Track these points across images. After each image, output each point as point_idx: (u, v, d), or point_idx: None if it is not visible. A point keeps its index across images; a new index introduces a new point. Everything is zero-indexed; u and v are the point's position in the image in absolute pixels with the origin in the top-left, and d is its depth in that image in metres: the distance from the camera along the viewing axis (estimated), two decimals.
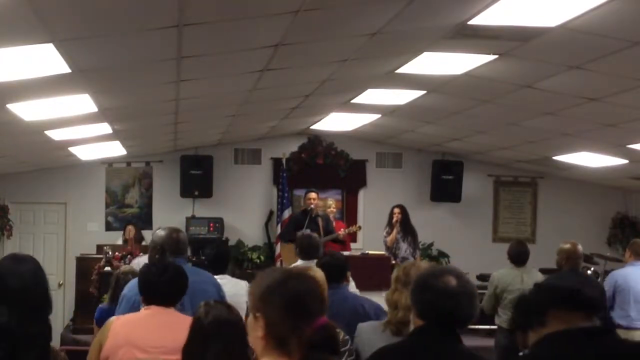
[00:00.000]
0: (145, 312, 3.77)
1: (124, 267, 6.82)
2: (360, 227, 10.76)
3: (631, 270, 7.42)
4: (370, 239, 11.72)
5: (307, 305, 2.19)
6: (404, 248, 10.52)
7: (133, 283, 4.45)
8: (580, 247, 7.03)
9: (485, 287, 10.85)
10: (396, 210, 10.70)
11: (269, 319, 2.19)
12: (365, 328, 4.02)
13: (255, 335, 2.23)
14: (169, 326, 3.72)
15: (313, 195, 10.46)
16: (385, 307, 4.99)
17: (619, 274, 7.65)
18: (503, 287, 7.48)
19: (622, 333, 7.08)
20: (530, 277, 7.20)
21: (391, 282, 4.04)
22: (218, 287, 4.77)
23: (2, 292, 3.37)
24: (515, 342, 3.35)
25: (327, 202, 11.30)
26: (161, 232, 4.72)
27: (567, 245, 7.00)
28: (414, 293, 2.94)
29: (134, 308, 4.20)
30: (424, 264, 4.16)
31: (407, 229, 10.60)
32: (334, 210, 11.29)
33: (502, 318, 7.48)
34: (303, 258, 6.21)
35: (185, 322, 3.78)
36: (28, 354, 3.32)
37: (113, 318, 3.78)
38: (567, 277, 7.06)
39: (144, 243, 10.39)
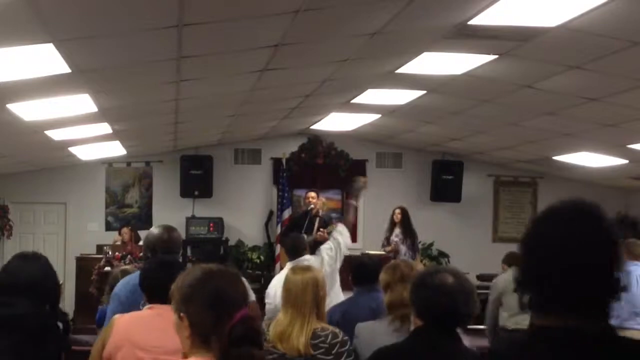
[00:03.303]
0: (149, 311, 3.75)
1: (123, 267, 6.82)
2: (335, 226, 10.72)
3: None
4: (370, 239, 11.71)
5: (227, 301, 2.23)
6: (403, 251, 10.55)
7: (124, 282, 4.47)
8: None
9: (485, 288, 10.92)
10: (397, 210, 10.75)
11: (192, 317, 2.26)
12: (364, 328, 4.03)
13: (182, 335, 2.31)
14: (171, 326, 3.71)
15: (311, 194, 10.46)
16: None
17: None
18: None
19: None
20: None
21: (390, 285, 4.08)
22: None
23: (15, 286, 3.55)
24: None
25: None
26: (154, 231, 4.73)
27: None
28: (412, 292, 2.97)
29: (124, 306, 4.20)
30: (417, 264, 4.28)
31: (407, 231, 10.63)
32: (326, 209, 11.23)
33: None
34: (290, 258, 6.23)
35: None
36: (47, 346, 3.47)
37: (116, 316, 3.76)
38: None
39: (140, 243, 10.39)
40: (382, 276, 4.01)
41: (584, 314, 1.72)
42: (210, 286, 2.26)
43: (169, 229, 4.69)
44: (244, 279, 5.52)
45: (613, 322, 6.69)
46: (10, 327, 3.45)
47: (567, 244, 1.73)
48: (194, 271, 2.34)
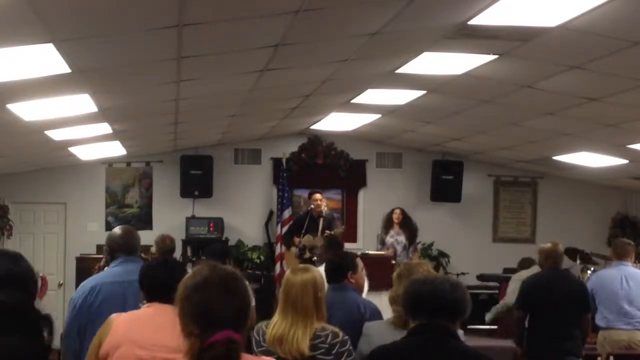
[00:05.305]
0: (147, 309, 3.76)
1: None
2: (344, 228, 10.79)
3: (609, 272, 7.37)
4: (370, 239, 11.71)
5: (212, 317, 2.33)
6: (399, 251, 10.58)
7: (82, 286, 4.48)
8: (560, 247, 6.98)
9: (485, 287, 10.94)
10: (397, 211, 10.79)
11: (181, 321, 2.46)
12: (373, 327, 4.04)
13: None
14: (169, 324, 3.71)
15: (316, 196, 10.48)
16: (384, 308, 5.00)
17: (596, 275, 7.67)
18: None
19: (601, 334, 7.11)
20: None
21: (393, 282, 4.17)
22: None
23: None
24: None
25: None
26: (113, 233, 4.74)
27: (547, 245, 7.04)
28: (403, 295, 3.09)
29: (81, 310, 4.27)
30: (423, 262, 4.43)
31: (408, 230, 10.68)
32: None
33: None
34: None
35: None
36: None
37: (114, 315, 3.77)
38: (545, 275, 7.12)
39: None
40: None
41: None
42: (198, 299, 2.33)
43: (126, 230, 4.72)
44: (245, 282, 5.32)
45: (601, 323, 6.72)
46: None
47: None
48: (193, 277, 2.38)
